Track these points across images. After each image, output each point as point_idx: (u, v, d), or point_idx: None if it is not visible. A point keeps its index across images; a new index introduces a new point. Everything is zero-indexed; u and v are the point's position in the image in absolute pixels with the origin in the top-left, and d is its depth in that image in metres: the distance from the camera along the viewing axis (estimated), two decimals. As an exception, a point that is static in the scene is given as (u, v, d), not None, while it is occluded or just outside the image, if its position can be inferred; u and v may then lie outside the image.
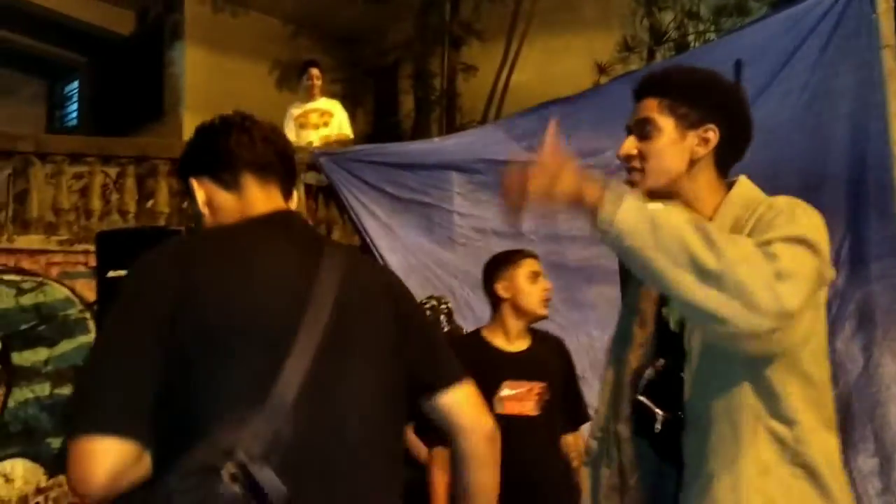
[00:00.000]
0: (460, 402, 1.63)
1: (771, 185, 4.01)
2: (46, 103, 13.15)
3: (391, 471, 1.52)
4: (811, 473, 1.52)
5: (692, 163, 1.65)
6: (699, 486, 1.54)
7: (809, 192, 3.74)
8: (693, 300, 1.38)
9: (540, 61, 9.52)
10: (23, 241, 5.75)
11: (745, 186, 1.71)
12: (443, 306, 4.03)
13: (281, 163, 1.67)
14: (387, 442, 1.51)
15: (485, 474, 1.66)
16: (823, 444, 1.57)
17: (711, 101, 1.67)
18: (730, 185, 1.72)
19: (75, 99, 12.97)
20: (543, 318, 3.24)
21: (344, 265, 1.53)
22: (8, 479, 5.39)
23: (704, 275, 1.36)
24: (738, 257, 1.39)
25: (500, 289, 3.19)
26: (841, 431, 3.81)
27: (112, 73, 12.04)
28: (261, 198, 1.61)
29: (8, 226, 5.94)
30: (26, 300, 5.55)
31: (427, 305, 4.01)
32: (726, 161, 1.71)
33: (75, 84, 12.97)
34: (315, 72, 6.92)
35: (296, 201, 1.72)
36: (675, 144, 1.64)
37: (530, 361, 3.17)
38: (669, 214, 1.42)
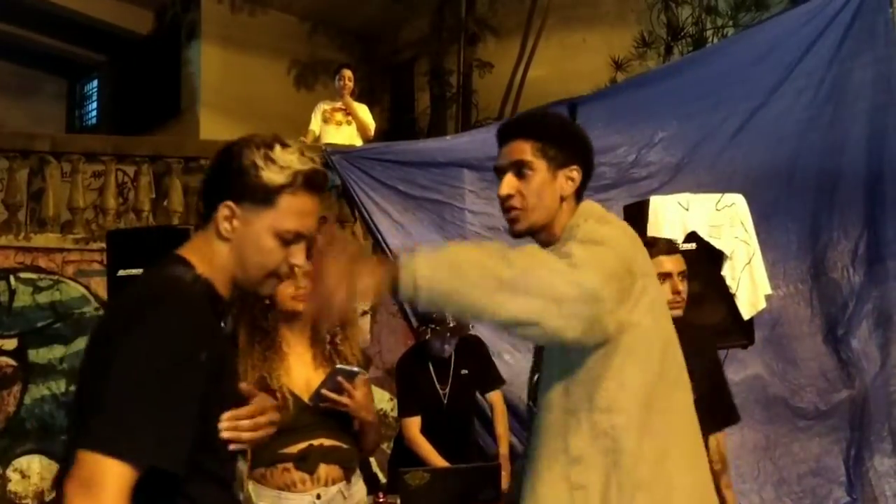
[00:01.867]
0: None
1: (788, 184, 3.97)
2: (66, 102, 13.27)
3: None
4: (618, 464, 1.63)
5: (561, 199, 1.82)
6: (528, 471, 1.76)
7: (826, 189, 3.70)
8: (507, 315, 1.51)
9: (556, 57, 9.47)
10: (39, 240, 5.79)
11: (584, 207, 1.87)
12: None
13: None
14: None
15: None
16: (638, 442, 1.64)
17: (575, 144, 1.85)
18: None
19: (95, 97, 13.08)
20: None
21: None
22: (24, 476, 5.43)
23: (508, 286, 1.49)
24: (533, 262, 1.55)
25: None
26: (856, 430, 3.77)
27: (131, 71, 12.12)
28: None
29: (25, 224, 5.99)
30: (42, 298, 5.59)
31: None
32: (582, 193, 1.87)
33: (95, 83, 13.08)
34: (347, 73, 7.20)
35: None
36: (548, 184, 1.80)
37: None
38: (459, 249, 1.57)
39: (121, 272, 3.34)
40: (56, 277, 5.67)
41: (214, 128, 10.17)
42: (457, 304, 1.53)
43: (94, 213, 6.25)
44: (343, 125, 6.94)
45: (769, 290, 3.12)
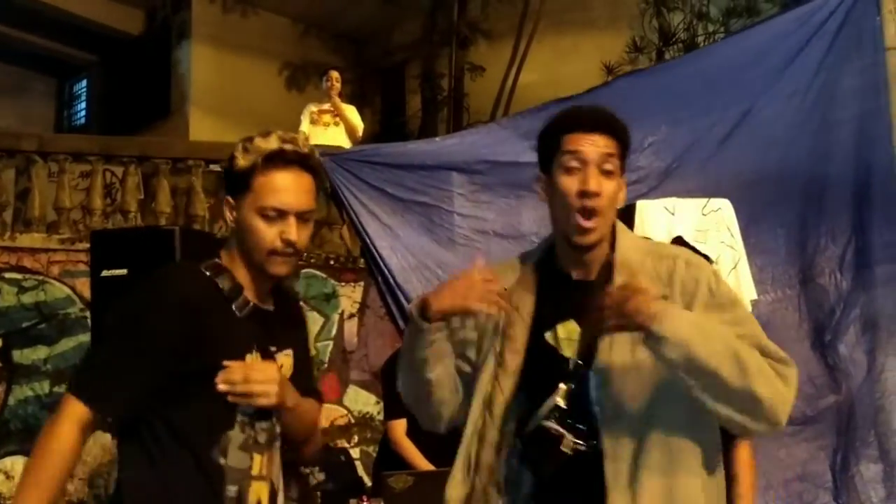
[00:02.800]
0: None
1: (776, 189, 3.98)
2: (55, 101, 13.21)
3: None
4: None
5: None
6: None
7: (814, 195, 3.70)
8: (742, 384, 1.53)
9: (548, 61, 9.48)
10: (25, 240, 5.77)
11: (626, 231, 1.77)
12: None
13: None
14: None
15: None
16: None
17: (627, 153, 1.73)
18: None
19: (84, 97, 13.03)
20: None
21: None
22: (8, 476, 5.40)
23: (747, 364, 1.53)
24: (763, 373, 1.55)
25: None
26: (843, 436, 3.77)
27: (120, 71, 12.08)
28: None
29: (10, 224, 5.96)
30: (27, 298, 5.57)
31: None
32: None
33: (84, 83, 13.03)
34: (335, 74, 7.25)
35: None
36: (620, 190, 1.68)
37: None
38: (706, 323, 1.56)
39: (104, 273, 3.30)
40: (41, 278, 5.64)
41: (204, 129, 10.14)
42: (702, 370, 1.53)
43: (80, 214, 6.22)
44: (330, 126, 6.94)
45: (755, 296, 3.11)
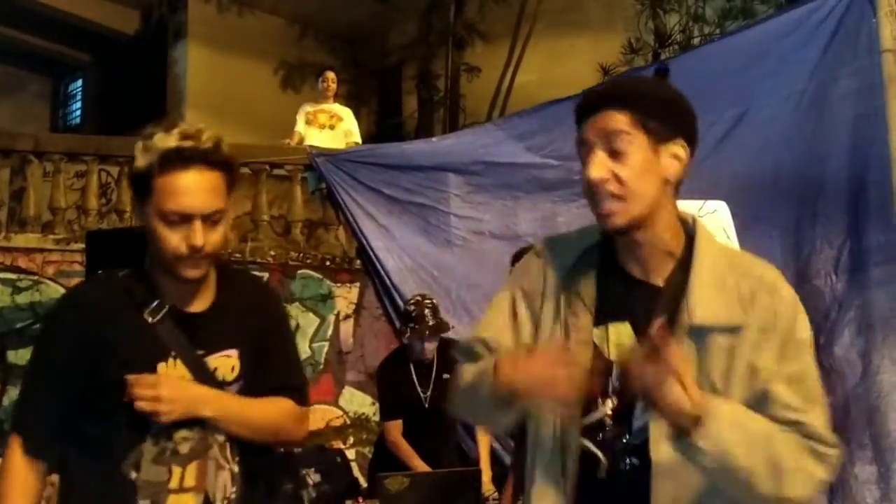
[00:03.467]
0: None
1: (772, 192, 3.98)
2: (51, 101, 13.19)
3: None
4: None
5: (665, 183, 1.47)
6: None
7: (809, 197, 3.71)
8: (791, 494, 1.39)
9: (544, 63, 9.49)
10: (19, 240, 5.73)
11: (708, 234, 1.56)
12: (426, 301, 4.03)
13: None
14: None
15: None
16: None
17: (678, 111, 1.51)
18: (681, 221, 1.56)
19: (79, 97, 13.01)
20: None
21: None
22: (2, 478, 5.37)
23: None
24: (799, 472, 1.39)
25: None
26: (838, 438, 3.78)
27: (116, 72, 12.06)
28: None
29: (5, 224, 5.94)
30: (22, 299, 5.54)
31: (412, 301, 4.07)
32: (680, 187, 1.52)
33: (79, 82, 13.01)
34: (331, 75, 7.19)
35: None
36: (650, 163, 1.45)
37: None
38: (750, 421, 1.38)
39: (99, 273, 3.30)
40: (36, 278, 5.61)
41: (200, 129, 10.11)
42: (735, 479, 1.37)
43: (75, 214, 6.19)
44: (325, 128, 6.91)
45: (751, 298, 3.11)
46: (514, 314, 1.58)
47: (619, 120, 1.44)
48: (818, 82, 3.55)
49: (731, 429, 1.34)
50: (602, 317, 1.50)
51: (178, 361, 1.69)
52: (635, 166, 1.43)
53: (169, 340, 1.69)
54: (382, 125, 11.65)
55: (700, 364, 1.43)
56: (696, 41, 8.93)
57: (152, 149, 1.60)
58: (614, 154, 1.44)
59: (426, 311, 3.93)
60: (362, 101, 11.18)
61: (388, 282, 4.86)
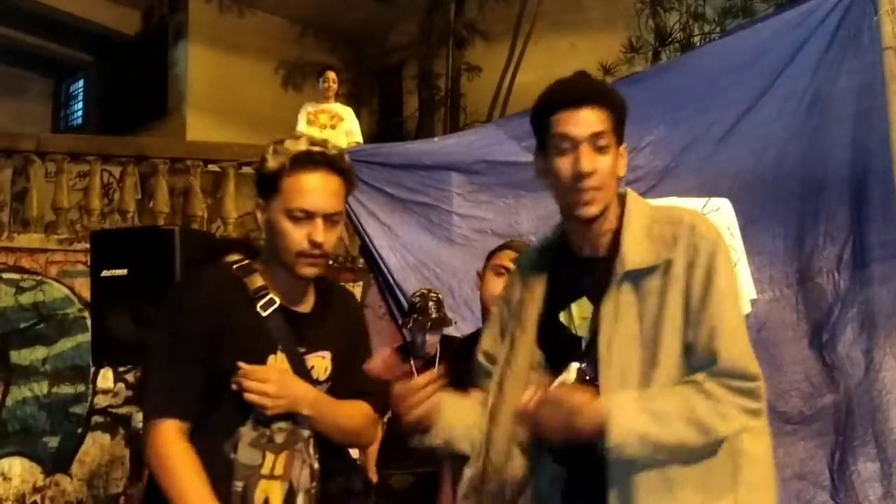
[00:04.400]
0: None
1: (774, 189, 3.99)
2: (52, 102, 13.20)
3: None
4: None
5: (617, 179, 1.68)
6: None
7: (812, 195, 3.71)
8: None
9: (545, 62, 9.48)
10: (23, 240, 5.75)
11: (638, 199, 1.74)
12: (432, 294, 4.06)
13: None
14: None
15: None
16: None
17: (626, 120, 1.69)
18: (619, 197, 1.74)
19: (81, 98, 13.02)
20: None
21: None
22: (6, 478, 5.38)
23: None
24: (722, 416, 1.55)
25: (478, 285, 3.06)
26: (840, 435, 3.78)
27: (117, 72, 12.07)
28: None
29: (8, 224, 5.95)
30: (25, 299, 5.55)
31: (417, 293, 4.11)
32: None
33: (81, 83, 13.02)
34: (331, 75, 7.18)
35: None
36: (616, 161, 1.65)
37: None
38: (654, 400, 1.54)
39: (104, 273, 3.30)
40: (39, 278, 5.63)
41: (201, 129, 10.13)
42: (666, 449, 1.53)
43: (78, 214, 6.21)
44: (326, 128, 6.91)
45: (755, 295, 3.12)
46: (502, 329, 1.79)
47: (603, 118, 1.62)
48: (819, 80, 3.55)
49: (636, 415, 1.51)
50: (564, 300, 1.69)
51: (283, 356, 1.80)
52: (610, 162, 1.63)
53: (278, 335, 1.80)
54: (383, 125, 11.66)
55: (638, 309, 1.60)
56: (696, 40, 8.95)
57: (284, 152, 1.75)
58: (598, 149, 1.61)
59: (430, 303, 3.96)
60: (363, 101, 11.19)
61: (391, 280, 4.85)
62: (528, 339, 1.70)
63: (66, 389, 5.39)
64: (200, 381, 1.74)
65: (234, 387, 1.73)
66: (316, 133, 6.89)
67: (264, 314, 1.78)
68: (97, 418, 5.48)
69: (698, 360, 1.58)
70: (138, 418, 5.49)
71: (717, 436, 1.54)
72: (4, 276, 5.60)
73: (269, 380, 1.74)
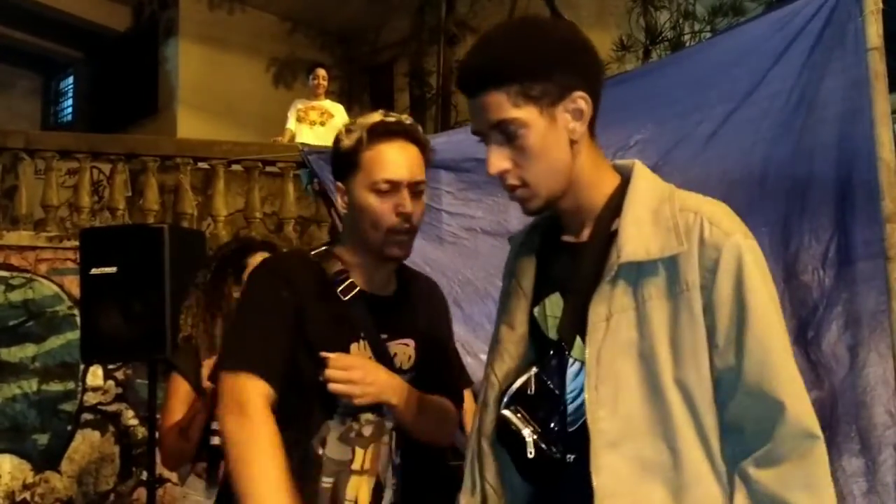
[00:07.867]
0: None
1: (760, 188, 4.02)
2: (41, 99, 13.14)
3: None
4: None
5: (572, 144, 1.33)
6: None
7: (797, 194, 3.74)
8: None
9: (535, 60, 9.50)
10: (12, 237, 5.73)
11: (646, 172, 1.42)
12: None
13: None
14: None
15: None
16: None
17: (567, 59, 1.32)
18: (616, 168, 1.45)
19: (70, 94, 12.97)
20: None
21: None
22: (-4, 475, 5.38)
23: None
24: None
25: None
26: (826, 431, 3.81)
27: (107, 69, 12.02)
28: None
29: (-3, 221, 5.94)
30: (15, 296, 5.53)
31: None
32: (595, 127, 1.38)
33: (70, 80, 12.96)
34: (321, 72, 7.24)
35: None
36: (549, 135, 1.31)
37: None
38: None
39: (94, 271, 3.31)
40: (29, 276, 5.61)
41: (192, 126, 10.11)
42: None
43: (68, 211, 6.20)
44: (316, 125, 6.94)
45: (741, 292, 3.14)
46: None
47: (501, 104, 1.30)
48: (805, 80, 3.58)
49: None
50: (543, 294, 1.44)
51: (366, 343, 1.71)
52: (533, 149, 1.31)
53: (360, 322, 1.71)
54: (374, 122, 11.65)
55: (637, 315, 1.28)
56: (686, 38, 8.97)
57: (358, 127, 1.70)
58: (510, 139, 1.33)
59: None
60: (354, 98, 11.18)
61: (380, 278, 4.86)
62: (515, 337, 1.43)
63: (56, 387, 5.38)
64: (287, 349, 1.61)
65: (319, 378, 1.61)
66: (306, 130, 6.90)
67: (344, 299, 1.69)
68: (87, 416, 5.48)
69: (741, 406, 1.26)
70: (128, 416, 5.51)
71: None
72: (-7, 273, 5.59)
73: (354, 368, 1.64)
